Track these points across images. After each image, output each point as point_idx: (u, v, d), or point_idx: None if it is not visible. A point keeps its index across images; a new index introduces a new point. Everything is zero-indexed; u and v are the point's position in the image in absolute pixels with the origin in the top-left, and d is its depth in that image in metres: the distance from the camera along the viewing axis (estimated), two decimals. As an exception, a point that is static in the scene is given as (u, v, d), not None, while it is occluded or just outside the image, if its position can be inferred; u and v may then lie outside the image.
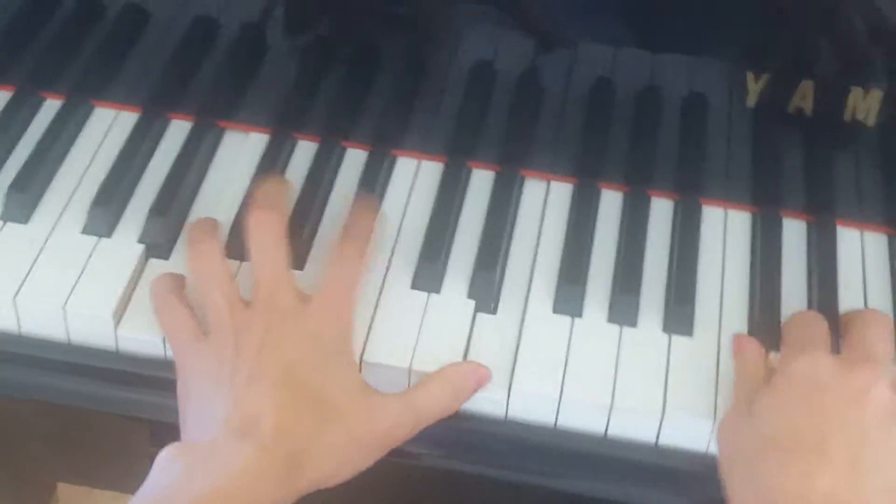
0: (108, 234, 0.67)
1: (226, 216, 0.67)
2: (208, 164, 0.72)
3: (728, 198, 0.71)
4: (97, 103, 0.74)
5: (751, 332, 0.64)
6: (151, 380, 0.61)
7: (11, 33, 0.75)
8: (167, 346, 0.62)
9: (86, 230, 0.67)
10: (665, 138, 0.72)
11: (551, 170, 0.72)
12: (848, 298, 0.66)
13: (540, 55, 0.71)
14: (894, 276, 0.68)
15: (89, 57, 0.75)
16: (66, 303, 0.62)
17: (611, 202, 0.71)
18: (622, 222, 0.69)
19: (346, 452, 0.57)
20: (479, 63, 0.72)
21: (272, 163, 0.71)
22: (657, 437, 0.61)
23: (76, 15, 0.74)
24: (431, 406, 0.59)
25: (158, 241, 0.66)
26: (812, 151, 0.70)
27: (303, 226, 0.67)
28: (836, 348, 0.61)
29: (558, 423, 0.61)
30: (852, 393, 0.55)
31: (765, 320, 0.64)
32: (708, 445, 0.60)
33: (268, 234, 0.61)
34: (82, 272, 0.64)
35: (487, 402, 0.61)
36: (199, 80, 0.74)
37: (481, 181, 0.71)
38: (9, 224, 0.67)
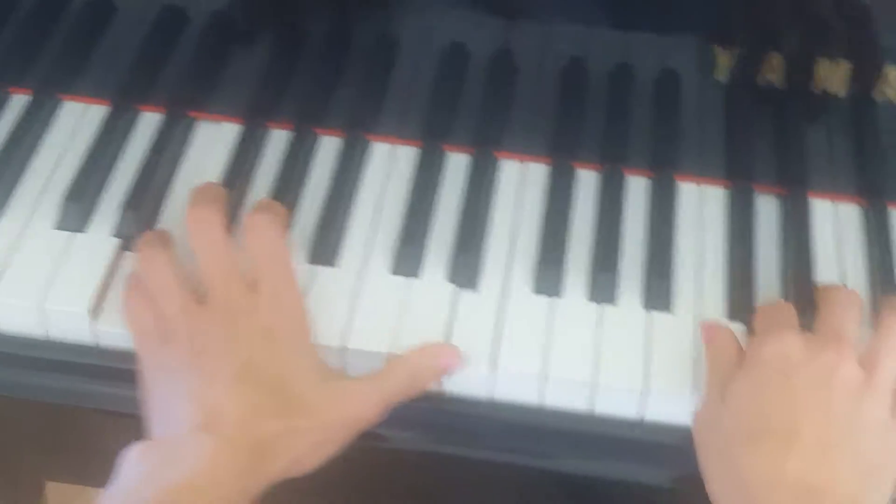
0: (82, 229, 0.66)
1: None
2: (181, 155, 0.71)
3: (702, 173, 0.71)
4: (65, 98, 0.73)
5: (729, 305, 0.65)
6: (134, 374, 0.61)
7: (-26, 29, 0.74)
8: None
9: (59, 226, 0.66)
10: (638, 116, 0.72)
11: (526, 151, 0.72)
12: (823, 269, 0.67)
13: (512, 37, 0.71)
14: (868, 245, 0.68)
15: (56, 51, 0.74)
16: (42, 299, 0.62)
17: (586, 181, 0.71)
18: (598, 201, 0.69)
19: (313, 439, 0.57)
20: (451, 45, 0.73)
21: (245, 152, 0.71)
22: (641, 412, 0.61)
23: (42, 8, 0.73)
24: (398, 388, 0.59)
25: (133, 235, 0.65)
26: (783, 124, 0.71)
27: (280, 215, 0.67)
28: (810, 324, 0.61)
29: (543, 402, 0.62)
30: (820, 374, 0.56)
31: (742, 293, 0.65)
32: (690, 419, 0.61)
33: (209, 231, 0.61)
34: (57, 268, 0.64)
35: (472, 385, 0.61)
36: (168, 71, 0.74)
37: (457, 164, 0.71)
38: (-20, 222, 0.66)
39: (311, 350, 0.60)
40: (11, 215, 0.66)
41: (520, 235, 0.67)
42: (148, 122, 0.72)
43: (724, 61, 0.69)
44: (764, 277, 0.66)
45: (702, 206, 0.70)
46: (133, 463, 0.54)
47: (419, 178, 0.70)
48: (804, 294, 0.64)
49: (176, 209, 0.67)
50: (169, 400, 0.57)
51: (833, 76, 0.68)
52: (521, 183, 0.71)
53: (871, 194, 0.70)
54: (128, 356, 0.61)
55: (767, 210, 0.70)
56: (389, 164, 0.71)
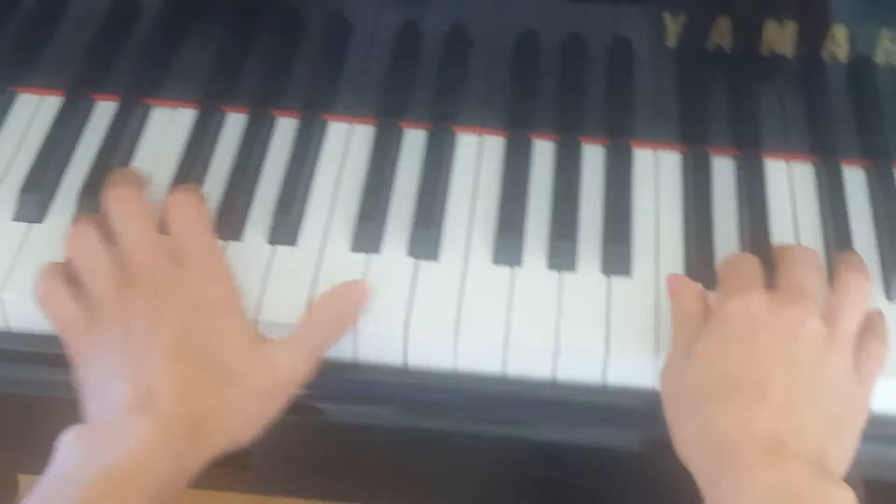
0: (40, 220, 0.66)
1: (157, 193, 0.67)
2: (137, 142, 0.71)
3: (657, 139, 0.72)
4: (19, 90, 0.73)
5: (687, 268, 0.65)
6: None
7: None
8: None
9: (17, 217, 0.66)
10: (592, 85, 0.73)
11: (483, 124, 0.72)
12: (779, 228, 0.68)
13: (464, 11, 0.71)
14: (822, 203, 0.69)
15: (8, 43, 0.74)
16: (2, 291, 0.62)
17: (543, 152, 0.71)
18: (555, 171, 0.70)
19: (250, 408, 0.58)
20: (403, 22, 0.73)
21: (202, 137, 0.71)
22: (604, 377, 0.62)
23: (-10, 1, 0.73)
24: (318, 337, 0.60)
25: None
26: (735, 87, 0.72)
27: (237, 197, 0.67)
28: (770, 281, 0.62)
29: (506, 371, 0.62)
30: (785, 329, 0.57)
31: (700, 255, 0.65)
32: (653, 381, 0.62)
33: (129, 208, 0.62)
34: (16, 260, 0.64)
35: (435, 358, 0.62)
36: (121, 59, 0.74)
37: (414, 140, 0.71)
38: (-63, 217, 0.66)
39: (242, 320, 0.60)
40: (-32, 209, 0.66)
41: (478, 208, 0.68)
42: (103, 111, 0.72)
43: (674, 27, 0.70)
44: (721, 239, 0.67)
45: (658, 171, 0.71)
46: (69, 447, 0.54)
47: (376, 155, 0.70)
48: (761, 253, 0.65)
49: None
50: (102, 382, 0.57)
51: (781, 38, 0.69)
52: (478, 156, 0.71)
53: (823, 152, 0.71)
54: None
55: (723, 172, 0.70)
56: (347, 143, 0.71)
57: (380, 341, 0.62)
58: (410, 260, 0.65)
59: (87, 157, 0.69)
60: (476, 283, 0.64)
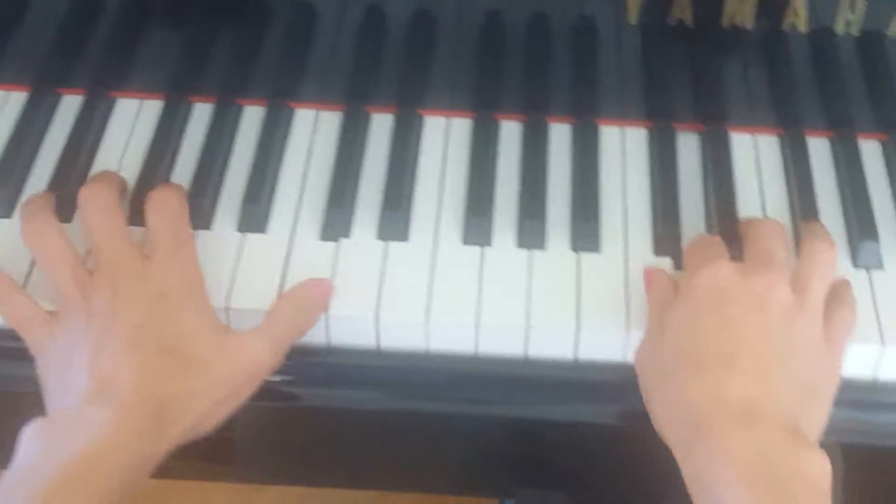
0: (8, 216, 0.66)
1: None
2: (104, 135, 0.71)
3: (623, 116, 0.72)
4: (-17, 87, 0.73)
5: (655, 242, 0.66)
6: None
7: None
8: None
9: (-16, 213, 0.66)
10: (557, 64, 0.73)
11: (449, 106, 0.72)
12: (745, 200, 0.68)
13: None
14: (787, 174, 0.70)
15: (-30, 40, 0.73)
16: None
17: (510, 132, 0.71)
18: (523, 150, 0.70)
19: (214, 396, 0.58)
20: (368, 7, 0.73)
21: (169, 128, 0.71)
22: (575, 352, 0.62)
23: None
24: (285, 328, 0.61)
25: (60, 219, 0.64)
26: (698, 62, 0.72)
27: (206, 186, 0.67)
28: (737, 255, 0.63)
29: (478, 350, 0.63)
30: (754, 298, 0.57)
31: (667, 229, 0.66)
32: (625, 355, 0.62)
33: (99, 203, 0.62)
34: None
35: (408, 339, 0.62)
36: (86, 53, 0.74)
37: (382, 125, 0.72)
38: None
39: (206, 311, 0.60)
40: (-65, 207, 0.66)
41: (447, 189, 0.68)
42: (69, 105, 0.72)
43: (635, 4, 0.70)
44: (688, 213, 0.67)
45: (624, 147, 0.71)
46: (31, 440, 0.54)
47: (344, 140, 0.70)
48: (729, 227, 0.66)
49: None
50: (63, 374, 0.57)
51: (741, 10, 0.69)
52: (445, 138, 0.71)
53: (787, 124, 0.71)
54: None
55: (689, 147, 0.71)
56: (314, 130, 0.71)
57: (352, 324, 0.62)
58: (380, 243, 0.65)
59: (54, 151, 0.69)
60: (446, 264, 0.64)
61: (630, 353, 0.61)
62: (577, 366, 0.63)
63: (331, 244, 0.65)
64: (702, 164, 0.70)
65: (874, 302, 0.63)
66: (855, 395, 0.61)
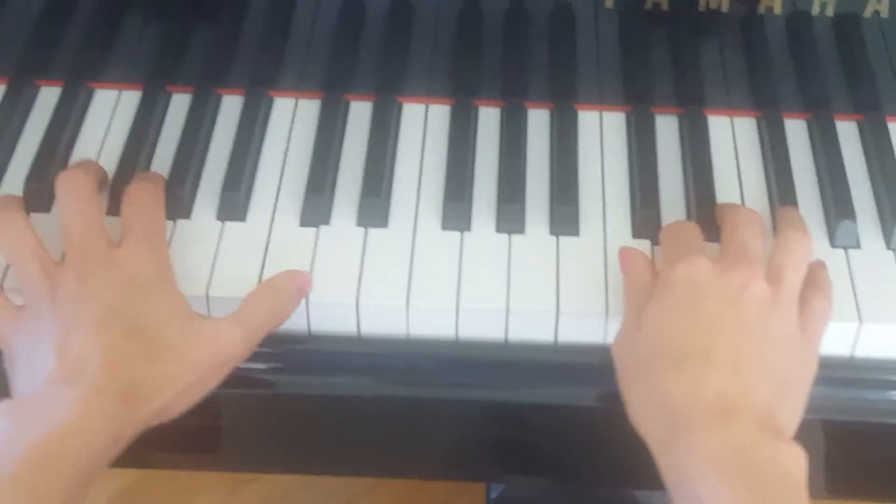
0: (-12, 206, 0.66)
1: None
2: (82, 125, 0.71)
3: (601, 101, 0.72)
4: (-38, 79, 0.73)
5: (633, 225, 0.66)
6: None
7: None
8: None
9: (-37, 205, 0.66)
10: (535, 50, 0.73)
11: (428, 93, 0.73)
12: (723, 183, 0.68)
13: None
14: (765, 156, 0.70)
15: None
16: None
17: (489, 118, 0.72)
18: (501, 136, 0.70)
19: (183, 380, 0.58)
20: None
21: (147, 117, 0.71)
22: (555, 334, 0.63)
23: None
24: (259, 318, 0.60)
25: (37, 208, 0.66)
26: (675, 45, 0.72)
27: (185, 176, 0.67)
28: (714, 238, 0.63)
29: (459, 334, 0.63)
30: (731, 292, 0.57)
31: (646, 213, 0.66)
32: (604, 337, 0.63)
33: (74, 190, 0.62)
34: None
35: (388, 325, 0.63)
36: (64, 45, 0.74)
37: (360, 112, 0.72)
38: None
39: (176, 296, 0.60)
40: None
41: (426, 175, 0.68)
42: (48, 96, 0.72)
43: (611, -13, 0.71)
44: (667, 196, 0.68)
45: (603, 131, 0.71)
46: None
47: (323, 128, 0.70)
48: (707, 209, 0.66)
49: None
50: (29, 356, 0.57)
51: (716, -7, 0.70)
52: (424, 125, 0.71)
53: (764, 106, 0.72)
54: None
55: (667, 131, 0.71)
56: (293, 118, 0.72)
57: (332, 310, 0.62)
58: (360, 229, 0.65)
59: (33, 142, 0.69)
60: (426, 249, 0.64)
61: (610, 335, 0.62)
62: (557, 348, 0.63)
63: (310, 231, 0.65)
64: (680, 148, 0.70)
65: (852, 281, 0.64)
66: (833, 373, 0.62)
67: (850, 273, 0.64)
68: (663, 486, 0.55)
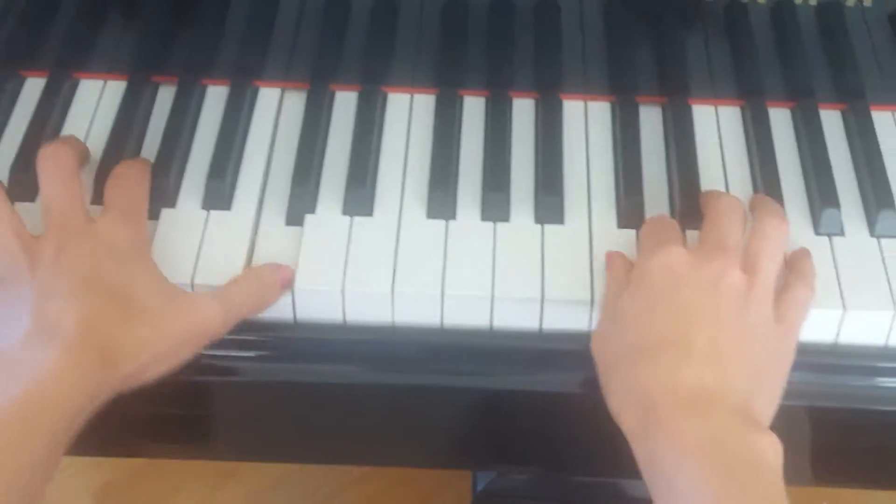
0: (-29, 196, 0.66)
1: (88, 166, 0.67)
2: (67, 116, 0.71)
3: (586, 90, 0.72)
4: (-55, 70, 0.73)
5: (619, 215, 0.66)
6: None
7: None
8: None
9: (-53, 194, 0.66)
10: (520, 40, 0.73)
11: (413, 83, 0.73)
12: (707, 173, 0.69)
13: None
14: (749, 144, 0.70)
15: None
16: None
17: (474, 108, 0.72)
18: (486, 125, 0.71)
19: (158, 347, 0.58)
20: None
21: (132, 108, 0.70)
22: (540, 322, 0.63)
23: None
24: (240, 301, 0.61)
25: (22, 198, 0.66)
26: (659, 34, 0.73)
27: (170, 165, 0.67)
28: (699, 227, 0.63)
29: (444, 322, 0.63)
30: (706, 283, 0.57)
31: (630, 201, 0.66)
32: (589, 324, 0.63)
33: (56, 165, 0.62)
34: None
35: (374, 313, 0.63)
36: (48, 35, 0.73)
37: (345, 102, 0.72)
38: None
39: (155, 269, 0.61)
40: None
41: (411, 164, 0.68)
42: (32, 87, 0.72)
43: (597, -22, 0.71)
44: (652, 184, 0.68)
45: (588, 121, 0.71)
46: None
47: (308, 118, 0.70)
48: (691, 200, 0.66)
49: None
50: (6, 320, 0.57)
51: (701, -19, 0.70)
52: (409, 114, 0.71)
53: (748, 95, 0.72)
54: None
55: (651, 120, 0.71)
56: (279, 108, 0.72)
57: (318, 298, 0.62)
58: (346, 218, 0.65)
59: (18, 132, 0.69)
60: (411, 238, 0.64)
61: (595, 323, 0.62)
62: (542, 336, 0.63)
63: (297, 222, 0.65)
64: (664, 137, 0.71)
65: (836, 268, 0.64)
66: (817, 359, 0.62)
67: (835, 260, 0.64)
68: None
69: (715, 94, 0.72)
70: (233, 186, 0.67)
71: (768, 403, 0.57)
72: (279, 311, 0.63)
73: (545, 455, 0.71)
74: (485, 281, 0.62)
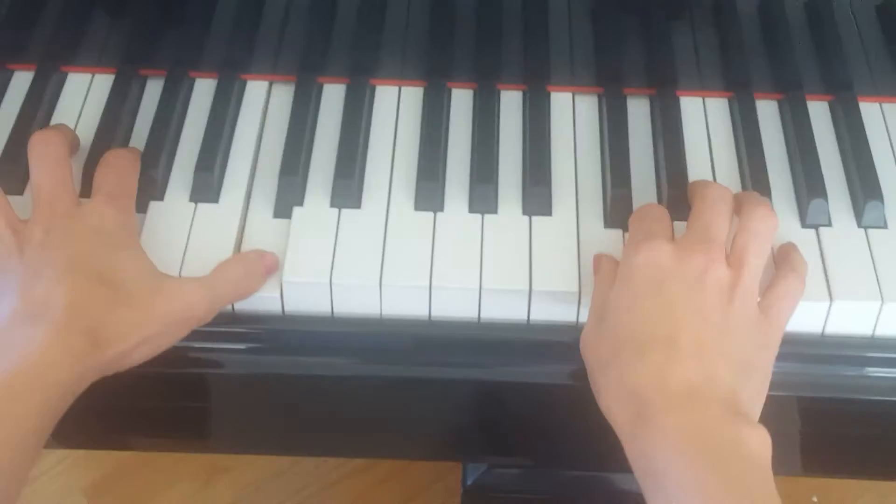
0: (-41, 189, 0.66)
1: (76, 160, 0.67)
2: (55, 109, 0.71)
3: (574, 82, 0.72)
4: (-67, 63, 0.73)
5: (606, 206, 0.66)
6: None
7: None
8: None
9: (-65, 188, 0.66)
10: (507, 32, 0.73)
11: (401, 76, 0.73)
12: (696, 164, 0.69)
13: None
14: (737, 136, 0.70)
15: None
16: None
17: (462, 100, 0.72)
18: (474, 118, 0.71)
19: (146, 330, 0.58)
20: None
21: (120, 101, 0.70)
22: (528, 313, 0.63)
23: None
24: (226, 286, 0.61)
25: (10, 191, 0.65)
26: (647, 26, 0.73)
27: (158, 158, 0.67)
28: (687, 217, 0.63)
29: (432, 313, 0.63)
30: (691, 278, 0.58)
31: (618, 192, 0.66)
32: (577, 316, 0.63)
33: (46, 150, 0.63)
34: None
35: (362, 304, 0.63)
36: (36, 28, 0.73)
37: (333, 95, 0.72)
38: None
39: (142, 253, 0.61)
40: None
41: (399, 157, 0.68)
42: (20, 81, 0.72)
43: (585, -30, 0.71)
44: (639, 176, 0.68)
45: (576, 113, 0.71)
46: None
47: (296, 110, 0.70)
48: (678, 191, 0.66)
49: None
50: None
51: (689, -27, 0.70)
52: (397, 107, 0.71)
53: (736, 87, 0.72)
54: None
55: (639, 111, 0.71)
56: (267, 100, 0.71)
57: (307, 290, 0.62)
58: (334, 210, 0.65)
59: (6, 126, 0.69)
60: (399, 230, 0.64)
61: (583, 314, 0.62)
62: (530, 327, 0.63)
63: (284, 215, 0.65)
64: (652, 128, 0.71)
65: (822, 260, 0.64)
66: (805, 350, 0.62)
67: (822, 251, 0.64)
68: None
69: (703, 86, 0.72)
70: (221, 179, 0.67)
71: (756, 396, 0.58)
72: (268, 303, 0.63)
73: (534, 447, 0.71)
74: (473, 273, 0.62)
